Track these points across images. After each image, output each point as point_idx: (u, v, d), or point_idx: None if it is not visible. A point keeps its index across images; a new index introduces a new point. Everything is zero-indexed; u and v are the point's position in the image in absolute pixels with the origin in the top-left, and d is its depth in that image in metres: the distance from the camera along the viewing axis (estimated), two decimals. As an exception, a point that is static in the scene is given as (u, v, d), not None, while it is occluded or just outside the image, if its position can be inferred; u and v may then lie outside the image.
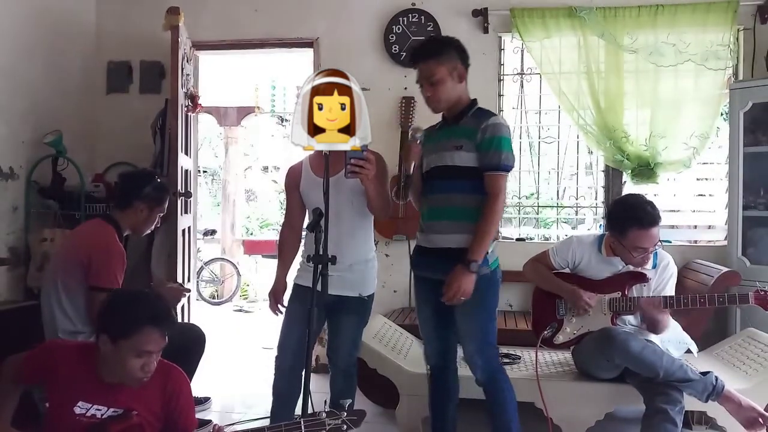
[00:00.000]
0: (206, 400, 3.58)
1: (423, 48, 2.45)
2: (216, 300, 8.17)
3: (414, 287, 2.62)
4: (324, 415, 1.91)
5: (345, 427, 1.91)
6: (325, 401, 2.00)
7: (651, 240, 2.65)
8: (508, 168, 2.37)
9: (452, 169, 2.41)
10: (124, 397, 1.98)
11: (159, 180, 2.99)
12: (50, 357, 2.01)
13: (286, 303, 2.67)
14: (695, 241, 4.07)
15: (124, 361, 1.90)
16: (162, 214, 2.96)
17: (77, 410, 1.95)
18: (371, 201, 2.47)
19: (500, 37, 4.15)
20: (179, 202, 3.97)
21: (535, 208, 4.58)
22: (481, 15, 4.06)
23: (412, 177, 2.54)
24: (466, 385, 2.56)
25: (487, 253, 2.36)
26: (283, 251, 2.74)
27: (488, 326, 2.44)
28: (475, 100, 2.50)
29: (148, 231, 2.98)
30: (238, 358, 4.78)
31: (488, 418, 2.45)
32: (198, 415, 2.66)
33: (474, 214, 2.36)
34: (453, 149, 2.40)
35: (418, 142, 2.49)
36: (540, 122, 4.37)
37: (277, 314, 2.70)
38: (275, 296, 2.70)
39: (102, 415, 1.97)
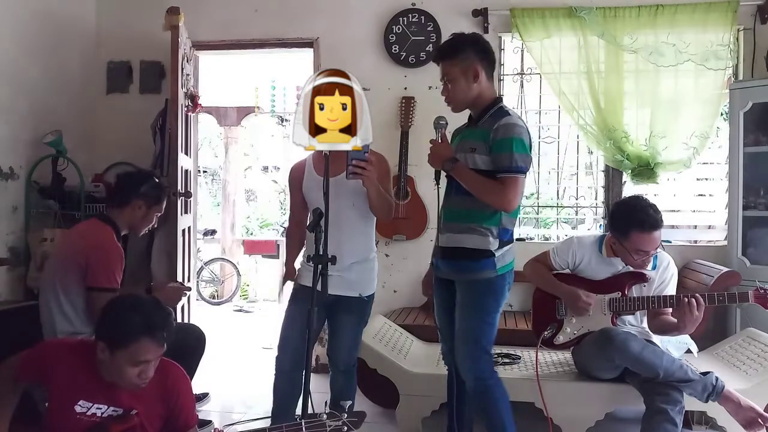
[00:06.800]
0: (204, 396, 3.57)
1: (439, 49, 2.52)
2: (216, 300, 8.17)
3: (434, 286, 2.63)
4: (325, 416, 1.91)
5: (345, 428, 1.91)
6: (326, 402, 2.00)
7: (653, 243, 2.65)
8: (520, 169, 2.32)
9: None
10: (124, 395, 1.98)
11: (157, 180, 3.00)
12: (47, 356, 2.01)
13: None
14: (695, 241, 4.07)
15: (121, 370, 1.91)
16: (159, 215, 2.97)
17: (78, 409, 1.95)
18: (372, 203, 2.48)
19: (500, 37, 4.14)
20: (179, 202, 3.97)
21: (535, 208, 4.58)
22: (481, 15, 4.05)
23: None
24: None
25: (495, 256, 2.37)
26: (290, 244, 2.80)
27: (481, 330, 2.40)
28: (498, 98, 2.48)
29: (145, 231, 2.98)
30: (238, 358, 4.78)
31: (484, 421, 2.43)
32: (199, 415, 2.66)
33: (486, 218, 2.36)
34: (468, 151, 2.39)
35: (444, 131, 2.47)
36: (540, 122, 4.37)
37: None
38: (287, 278, 2.75)
39: (102, 413, 1.97)
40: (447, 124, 2.49)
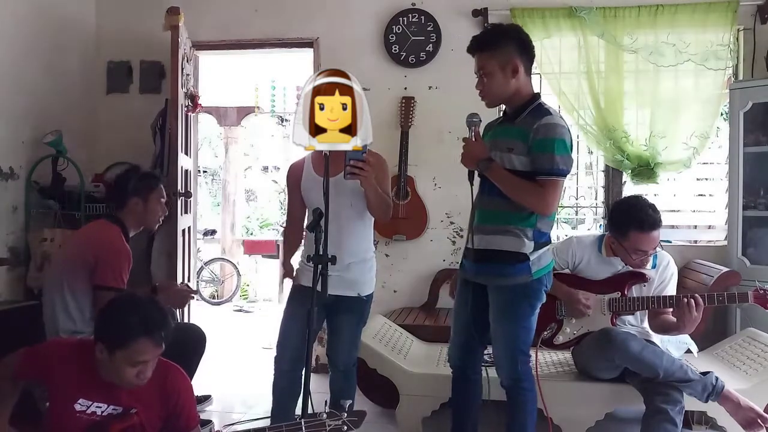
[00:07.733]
0: (206, 399, 3.57)
1: (476, 39, 2.35)
2: (216, 300, 8.17)
3: (457, 286, 2.58)
4: (324, 415, 1.91)
5: (345, 427, 1.91)
6: (326, 401, 2.00)
7: (651, 243, 2.65)
8: (562, 172, 2.23)
9: None
10: (124, 394, 1.99)
11: (144, 171, 3.02)
12: (47, 355, 2.02)
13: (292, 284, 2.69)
14: (695, 241, 4.07)
15: (120, 370, 1.92)
16: (164, 200, 2.95)
17: (78, 407, 1.96)
18: (370, 203, 2.47)
19: (500, 37, 4.14)
20: (179, 202, 3.97)
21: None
22: (481, 15, 4.05)
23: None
24: (495, 387, 2.53)
25: (529, 260, 2.30)
26: (288, 243, 2.81)
27: (517, 333, 2.35)
28: (537, 94, 2.36)
29: (158, 222, 2.98)
30: (238, 358, 4.78)
31: (507, 421, 2.43)
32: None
33: (522, 219, 2.29)
34: (505, 150, 2.29)
35: (477, 128, 2.36)
36: (540, 122, 4.37)
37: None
38: (286, 276, 2.73)
39: (102, 412, 1.98)
40: (480, 121, 2.37)
